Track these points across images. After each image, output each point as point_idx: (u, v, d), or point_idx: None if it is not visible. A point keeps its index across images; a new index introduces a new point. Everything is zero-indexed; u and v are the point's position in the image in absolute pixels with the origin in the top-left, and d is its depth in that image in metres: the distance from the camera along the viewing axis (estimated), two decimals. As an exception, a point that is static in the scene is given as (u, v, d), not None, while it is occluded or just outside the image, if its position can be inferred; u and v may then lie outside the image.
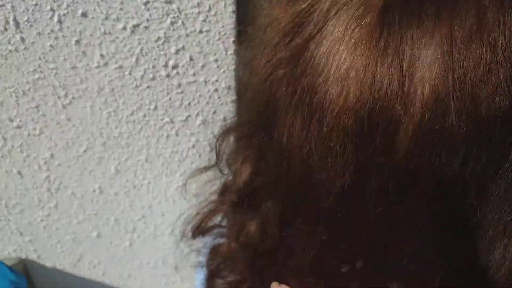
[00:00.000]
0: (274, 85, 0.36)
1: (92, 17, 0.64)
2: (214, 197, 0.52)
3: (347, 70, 0.30)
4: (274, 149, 0.35)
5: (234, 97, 0.74)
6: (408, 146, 0.28)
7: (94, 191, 0.84)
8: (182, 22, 0.65)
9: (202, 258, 0.55)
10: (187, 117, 0.75)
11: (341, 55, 0.31)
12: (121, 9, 0.63)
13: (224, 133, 0.51)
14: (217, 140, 0.51)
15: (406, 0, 0.29)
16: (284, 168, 0.34)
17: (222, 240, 0.51)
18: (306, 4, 0.37)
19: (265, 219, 0.41)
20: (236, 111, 0.75)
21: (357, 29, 0.31)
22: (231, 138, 0.50)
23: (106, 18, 0.64)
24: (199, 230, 0.53)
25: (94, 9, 0.63)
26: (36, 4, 0.62)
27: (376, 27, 0.30)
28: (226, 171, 0.51)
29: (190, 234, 0.56)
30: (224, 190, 0.50)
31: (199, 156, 0.80)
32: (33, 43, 0.66)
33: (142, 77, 0.70)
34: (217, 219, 0.52)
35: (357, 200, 0.31)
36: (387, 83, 0.29)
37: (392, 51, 0.29)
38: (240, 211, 0.46)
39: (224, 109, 0.75)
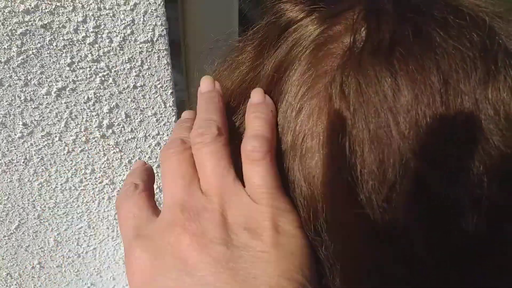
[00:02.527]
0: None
1: (9, 85, 0.57)
2: None
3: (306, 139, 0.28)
4: None
5: (178, 148, 0.69)
6: None
7: (33, 267, 0.75)
8: (113, 79, 0.59)
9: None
10: (129, 175, 0.69)
11: (300, 127, 0.29)
12: (41, 73, 0.57)
13: None
14: None
15: (360, 65, 0.27)
16: None
17: None
18: (247, 69, 0.34)
19: None
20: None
21: (307, 97, 0.29)
22: None
23: (26, 85, 0.57)
24: None
25: (10, 76, 0.56)
26: None
27: (328, 98, 0.28)
28: None
29: None
30: None
31: (147, 213, 0.74)
32: None
33: (74, 141, 0.63)
34: None
35: None
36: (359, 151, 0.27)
37: (350, 122, 0.27)
38: None
39: (169, 161, 0.70)
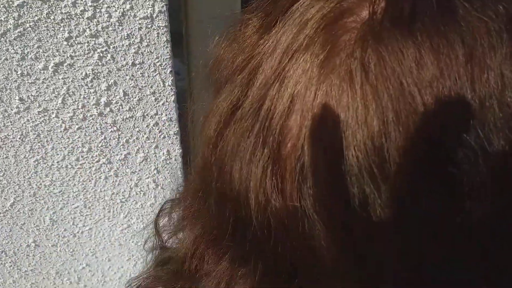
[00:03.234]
0: (229, 144, 0.31)
1: (5, 59, 0.56)
2: (151, 269, 0.46)
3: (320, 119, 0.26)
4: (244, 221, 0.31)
5: (177, 129, 0.68)
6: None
7: (28, 246, 0.75)
8: (112, 56, 0.58)
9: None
10: (126, 155, 0.68)
11: (311, 106, 0.27)
12: (39, 47, 0.56)
13: (162, 210, 0.46)
14: (156, 218, 0.45)
15: (380, 37, 0.26)
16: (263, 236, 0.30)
17: None
18: (252, 45, 0.32)
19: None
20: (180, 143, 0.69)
21: (323, 77, 0.27)
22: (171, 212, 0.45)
23: (23, 58, 0.56)
24: None
25: (7, 50, 0.55)
26: None
27: (347, 74, 0.26)
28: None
29: None
30: (164, 262, 0.44)
31: (143, 194, 0.74)
32: None
33: (71, 118, 0.63)
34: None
35: None
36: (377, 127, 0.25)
37: (373, 98, 0.25)
38: (189, 280, 0.41)
39: (167, 142, 0.69)
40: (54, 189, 0.69)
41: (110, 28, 0.56)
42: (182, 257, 0.39)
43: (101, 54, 0.58)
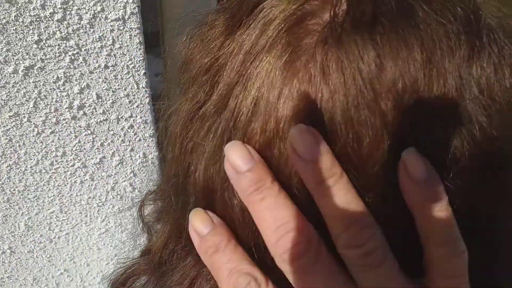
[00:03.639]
0: (193, 142, 0.31)
1: (-26, 63, 0.55)
2: (136, 256, 0.46)
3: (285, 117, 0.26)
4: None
5: (152, 131, 0.67)
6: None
7: (3, 252, 0.73)
8: (84, 58, 0.57)
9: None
10: (101, 159, 0.68)
11: (275, 102, 0.27)
12: (8, 50, 0.55)
13: (145, 198, 0.46)
14: (140, 206, 0.45)
15: (340, 41, 0.26)
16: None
17: None
18: (217, 46, 0.32)
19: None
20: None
21: (286, 80, 0.27)
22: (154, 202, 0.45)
23: (-9, 62, 0.55)
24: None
25: (-25, 53, 0.54)
26: None
27: (308, 77, 0.26)
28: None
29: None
30: (146, 251, 0.45)
31: (120, 198, 0.73)
32: None
33: (43, 122, 0.62)
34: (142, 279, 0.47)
35: None
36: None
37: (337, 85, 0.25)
38: (161, 272, 0.41)
39: (143, 144, 0.68)
40: (28, 194, 0.68)
41: (81, 31, 0.55)
42: (157, 251, 0.39)
43: (73, 57, 0.57)
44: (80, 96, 0.60)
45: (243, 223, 0.29)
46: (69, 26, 0.55)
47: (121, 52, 0.58)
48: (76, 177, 0.68)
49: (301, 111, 0.26)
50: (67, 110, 0.61)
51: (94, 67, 0.58)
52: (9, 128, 0.61)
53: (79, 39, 0.56)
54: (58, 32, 0.55)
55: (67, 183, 0.68)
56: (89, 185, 0.70)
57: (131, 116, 0.64)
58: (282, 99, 0.27)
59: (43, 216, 0.71)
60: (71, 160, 0.66)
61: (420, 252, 0.26)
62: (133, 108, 0.64)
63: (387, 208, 0.26)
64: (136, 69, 0.60)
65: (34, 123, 0.61)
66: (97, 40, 0.56)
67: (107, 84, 0.60)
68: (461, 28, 0.25)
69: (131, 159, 0.69)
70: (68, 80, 0.59)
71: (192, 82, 0.34)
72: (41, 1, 0.52)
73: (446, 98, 0.25)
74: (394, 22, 0.25)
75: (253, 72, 0.28)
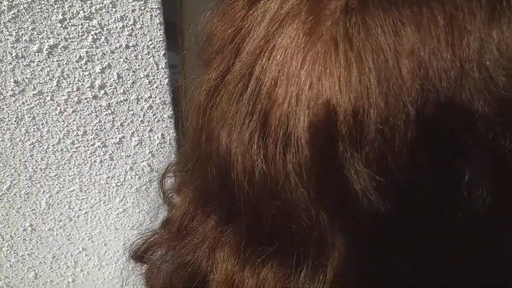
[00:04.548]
0: (218, 109, 0.32)
1: (0, 41, 0.57)
2: (157, 228, 0.48)
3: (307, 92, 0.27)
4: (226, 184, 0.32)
5: (171, 112, 0.69)
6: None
7: (25, 230, 0.75)
8: (106, 38, 0.59)
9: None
10: (120, 139, 0.69)
11: (297, 76, 0.28)
12: (33, 29, 0.56)
13: (167, 171, 0.47)
14: (162, 179, 0.47)
15: (365, 5, 0.27)
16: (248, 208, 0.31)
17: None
18: (240, 17, 0.33)
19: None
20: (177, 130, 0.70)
21: (310, 45, 0.27)
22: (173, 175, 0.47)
23: (17, 41, 0.57)
24: (142, 259, 0.49)
25: (1, 31, 0.56)
26: None
27: (332, 41, 0.27)
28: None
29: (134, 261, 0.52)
30: (167, 222, 0.46)
31: (138, 178, 0.74)
32: None
33: (66, 101, 0.63)
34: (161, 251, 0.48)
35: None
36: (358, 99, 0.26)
37: (356, 64, 0.26)
38: (180, 238, 0.42)
39: (161, 125, 0.70)
40: (49, 172, 0.70)
41: (104, 10, 0.57)
42: (177, 218, 0.40)
43: (95, 36, 0.58)
44: (102, 76, 0.62)
45: (263, 188, 0.30)
46: (92, 6, 0.56)
47: (142, 32, 0.59)
48: (96, 156, 0.70)
49: (324, 75, 0.27)
50: (88, 89, 0.63)
51: (116, 47, 0.60)
52: (33, 107, 0.63)
53: (102, 18, 0.57)
54: (81, 12, 0.56)
55: (87, 162, 0.70)
56: (108, 165, 0.71)
57: (150, 97, 0.66)
58: (306, 64, 0.28)
59: (64, 194, 0.73)
60: (91, 139, 0.68)
61: None
62: (153, 88, 0.65)
63: None
64: (156, 50, 0.61)
65: (56, 102, 0.63)
66: (119, 20, 0.57)
67: (127, 64, 0.62)
68: None
69: (150, 139, 0.70)
70: (90, 59, 0.60)
71: (215, 54, 0.35)
72: (65, -19, 0.53)
73: (470, 59, 0.25)
74: None
75: (278, 39, 0.29)
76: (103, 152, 0.70)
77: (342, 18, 0.27)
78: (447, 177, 0.26)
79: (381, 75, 0.26)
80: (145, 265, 0.52)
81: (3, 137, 0.65)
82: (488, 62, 0.25)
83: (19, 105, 0.62)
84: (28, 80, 0.60)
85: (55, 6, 0.55)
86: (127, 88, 0.64)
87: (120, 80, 0.63)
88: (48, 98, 0.62)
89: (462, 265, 0.29)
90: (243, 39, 0.32)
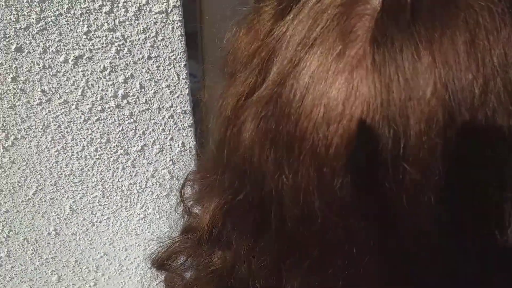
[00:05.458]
0: (246, 125, 0.33)
1: (28, 52, 0.59)
2: (177, 235, 0.49)
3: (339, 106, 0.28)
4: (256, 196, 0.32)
5: (191, 122, 0.70)
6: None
7: (49, 234, 0.78)
8: (129, 49, 0.60)
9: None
10: (142, 147, 0.71)
11: (330, 92, 0.28)
12: (59, 41, 0.59)
13: (186, 180, 0.48)
14: (181, 187, 0.48)
15: (396, 25, 0.27)
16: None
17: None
18: (266, 32, 0.34)
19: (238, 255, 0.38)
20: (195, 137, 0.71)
21: (341, 63, 0.28)
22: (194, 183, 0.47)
23: (44, 52, 0.59)
24: (163, 267, 0.50)
25: (30, 43, 0.58)
26: (-37, 43, 0.56)
27: (365, 57, 0.27)
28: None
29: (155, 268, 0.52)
30: (187, 230, 0.47)
31: (159, 185, 0.76)
32: (-36, 85, 0.60)
33: (90, 110, 0.65)
34: (181, 258, 0.49)
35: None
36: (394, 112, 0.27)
37: (387, 80, 0.27)
38: (203, 249, 0.43)
39: (182, 134, 0.71)
40: (74, 178, 0.72)
41: (127, 23, 0.58)
42: (203, 226, 0.41)
43: (119, 48, 0.60)
44: (125, 86, 0.64)
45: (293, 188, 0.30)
46: (116, 18, 0.58)
47: (164, 44, 0.61)
48: (119, 163, 0.72)
49: (352, 103, 0.27)
50: (112, 98, 0.65)
51: (138, 58, 0.61)
52: (59, 115, 0.65)
53: (125, 30, 0.59)
54: (105, 24, 0.58)
55: (110, 169, 0.72)
56: (130, 172, 0.73)
57: (171, 106, 0.67)
58: (334, 90, 0.28)
59: (87, 200, 0.75)
60: (114, 147, 0.70)
61: None
62: (174, 98, 0.67)
63: None
64: (177, 61, 0.62)
65: (81, 111, 0.65)
66: (142, 32, 0.59)
67: (149, 75, 0.63)
68: (505, 9, 0.26)
69: (171, 147, 0.72)
70: (113, 70, 0.62)
71: (241, 67, 0.36)
72: (91, -6, 0.55)
73: (495, 76, 0.26)
74: (433, 10, 0.27)
75: (306, 62, 0.30)
76: (125, 159, 0.72)
77: (368, 46, 0.27)
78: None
79: (407, 100, 0.26)
80: (166, 272, 0.53)
81: (30, 144, 0.67)
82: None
83: (46, 114, 0.65)
84: (55, 90, 0.63)
85: (81, 19, 0.57)
86: (149, 98, 0.66)
87: (143, 90, 0.65)
88: (73, 107, 0.64)
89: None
90: (270, 55, 0.33)
